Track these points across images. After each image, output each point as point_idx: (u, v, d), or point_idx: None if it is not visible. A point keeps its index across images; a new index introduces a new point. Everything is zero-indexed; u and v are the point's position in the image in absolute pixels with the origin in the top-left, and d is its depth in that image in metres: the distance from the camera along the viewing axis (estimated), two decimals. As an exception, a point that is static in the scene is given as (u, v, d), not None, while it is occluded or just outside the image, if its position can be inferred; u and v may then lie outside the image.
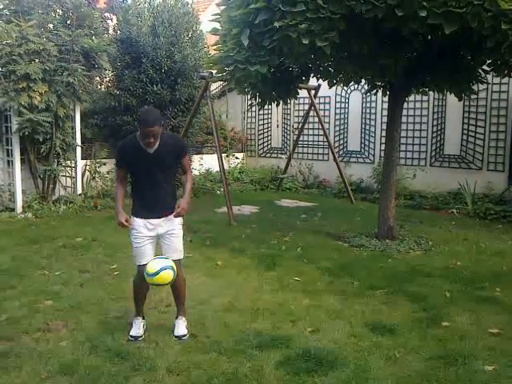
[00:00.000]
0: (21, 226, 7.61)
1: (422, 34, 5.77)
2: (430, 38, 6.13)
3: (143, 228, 3.84)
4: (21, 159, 8.56)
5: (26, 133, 8.14)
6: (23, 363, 3.45)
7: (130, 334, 3.92)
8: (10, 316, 4.24)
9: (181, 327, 4.00)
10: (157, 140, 3.73)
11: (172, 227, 3.90)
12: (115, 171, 4.07)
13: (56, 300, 4.64)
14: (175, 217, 3.87)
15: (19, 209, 8.40)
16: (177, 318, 4.08)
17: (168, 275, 3.61)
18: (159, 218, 3.86)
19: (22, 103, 7.90)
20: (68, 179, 9.40)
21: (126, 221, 3.76)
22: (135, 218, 3.86)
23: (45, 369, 3.39)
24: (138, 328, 3.97)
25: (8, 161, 8.70)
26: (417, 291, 5.01)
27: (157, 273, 3.57)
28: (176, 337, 3.92)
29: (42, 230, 7.31)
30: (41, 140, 8.38)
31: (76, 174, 9.29)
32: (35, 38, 7.91)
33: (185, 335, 3.94)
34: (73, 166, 9.29)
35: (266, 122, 13.61)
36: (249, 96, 8.02)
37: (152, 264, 3.64)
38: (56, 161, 8.97)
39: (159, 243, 3.96)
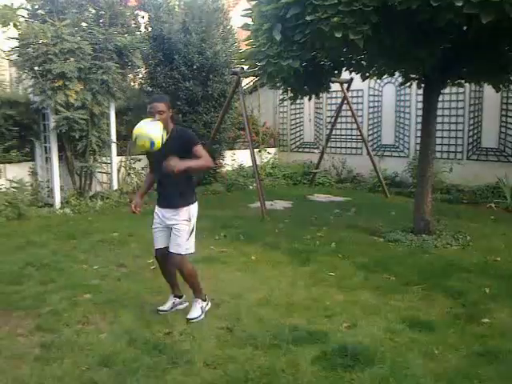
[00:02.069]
0: (59, 221, 7.79)
1: (458, 24, 5.63)
2: (465, 28, 5.98)
3: (157, 216, 4.18)
4: (58, 156, 8.77)
5: (63, 130, 8.33)
6: (64, 355, 3.54)
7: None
8: (51, 309, 4.35)
9: (194, 310, 4.20)
10: (163, 119, 3.92)
11: (176, 222, 4.06)
12: None
13: (95, 294, 4.74)
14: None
15: (57, 204, 8.60)
16: (193, 299, 4.29)
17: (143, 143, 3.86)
18: (165, 208, 4.11)
19: (59, 101, 8.08)
20: (104, 175, 9.58)
21: (135, 207, 4.22)
22: (156, 205, 4.22)
23: (85, 361, 3.47)
24: (166, 303, 4.36)
25: (46, 158, 8.92)
26: (455, 287, 4.91)
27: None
28: (187, 319, 4.14)
29: (79, 225, 7.47)
30: (77, 137, 8.56)
31: (112, 170, 9.46)
32: (70, 37, 8.06)
33: (195, 318, 4.14)
34: (108, 162, 9.46)
35: (298, 116, 13.55)
36: (280, 91, 7.99)
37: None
38: (92, 157, 9.15)
39: None
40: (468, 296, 4.67)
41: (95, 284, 5.01)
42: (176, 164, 3.75)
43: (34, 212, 8.04)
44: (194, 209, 4.14)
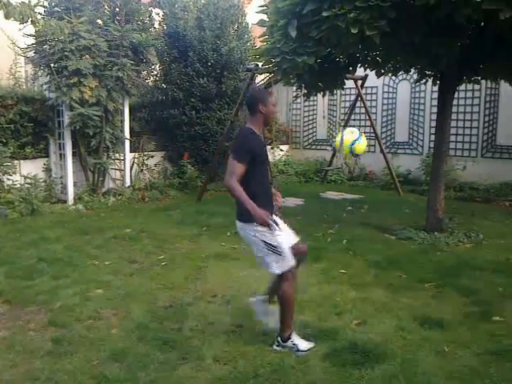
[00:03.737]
0: (72, 217, 7.85)
1: (476, 20, 5.56)
2: (483, 24, 5.90)
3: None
4: (72, 153, 8.83)
5: (77, 127, 8.39)
6: (76, 350, 3.57)
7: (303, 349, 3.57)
8: (63, 304, 4.39)
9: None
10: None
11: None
12: (235, 168, 3.38)
13: (106, 289, 4.77)
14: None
15: (71, 201, 8.67)
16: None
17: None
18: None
19: (74, 98, 8.14)
20: (117, 172, 9.63)
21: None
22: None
23: (96, 355, 3.49)
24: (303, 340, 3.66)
25: (60, 154, 8.99)
26: (467, 285, 4.87)
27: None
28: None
29: (92, 222, 7.53)
30: (91, 134, 8.62)
31: (125, 167, 9.51)
32: (86, 34, 8.12)
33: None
34: (121, 158, 9.51)
35: (311, 113, 13.50)
36: (294, 87, 7.96)
37: None
38: (105, 154, 9.21)
39: None
40: (480, 294, 4.63)
41: (107, 279, 5.04)
42: None
43: (47, 208, 8.10)
44: None
